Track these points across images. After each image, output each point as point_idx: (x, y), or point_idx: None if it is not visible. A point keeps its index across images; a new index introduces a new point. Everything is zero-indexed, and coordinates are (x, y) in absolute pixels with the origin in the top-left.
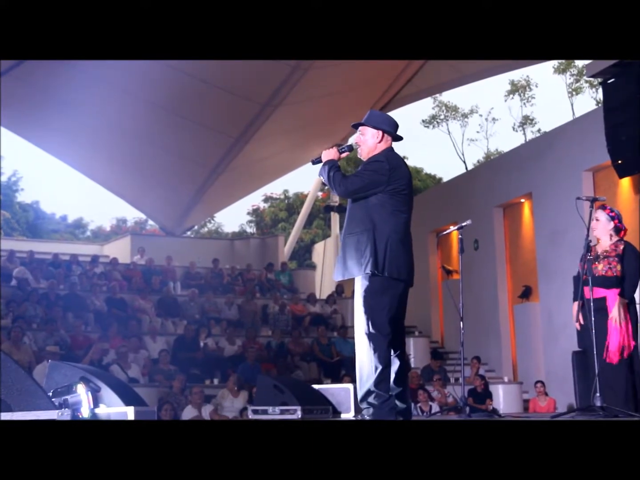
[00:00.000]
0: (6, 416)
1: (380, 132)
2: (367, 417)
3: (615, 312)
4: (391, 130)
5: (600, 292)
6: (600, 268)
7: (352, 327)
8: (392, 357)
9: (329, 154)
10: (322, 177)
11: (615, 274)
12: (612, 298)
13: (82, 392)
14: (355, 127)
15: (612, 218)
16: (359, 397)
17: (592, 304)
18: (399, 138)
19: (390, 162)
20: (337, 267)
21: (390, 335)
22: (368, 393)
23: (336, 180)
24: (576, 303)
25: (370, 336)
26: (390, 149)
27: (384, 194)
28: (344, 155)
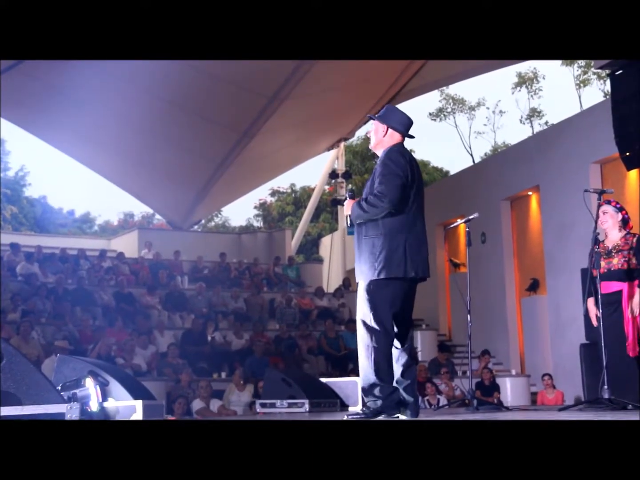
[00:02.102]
0: (16, 410)
1: (387, 128)
2: (372, 409)
3: (636, 303)
4: (398, 127)
5: (615, 285)
6: (616, 262)
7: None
8: (399, 350)
9: (347, 206)
10: (361, 219)
11: (631, 267)
12: (629, 291)
13: (90, 386)
14: (370, 118)
15: (620, 209)
16: (363, 390)
17: (600, 297)
18: (409, 136)
19: (405, 155)
20: (355, 269)
21: (392, 330)
22: (373, 386)
23: (370, 203)
24: (590, 299)
25: (372, 331)
26: (397, 145)
27: None
28: (355, 200)
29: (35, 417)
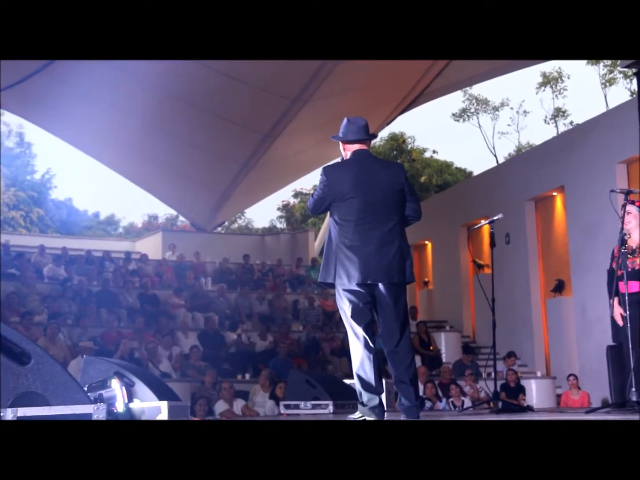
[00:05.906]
0: (44, 410)
1: (340, 143)
2: (357, 415)
3: None
4: (342, 138)
5: (635, 286)
6: (638, 262)
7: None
8: (389, 353)
9: None
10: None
11: None
12: None
13: (116, 387)
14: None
15: None
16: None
17: (627, 297)
18: (356, 140)
19: (329, 174)
20: None
21: (362, 337)
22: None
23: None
24: (615, 299)
25: (348, 339)
26: (350, 156)
27: (332, 206)
28: None
29: (63, 417)
